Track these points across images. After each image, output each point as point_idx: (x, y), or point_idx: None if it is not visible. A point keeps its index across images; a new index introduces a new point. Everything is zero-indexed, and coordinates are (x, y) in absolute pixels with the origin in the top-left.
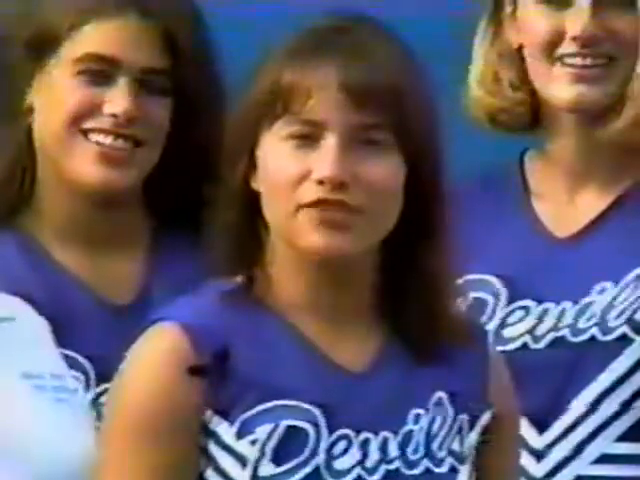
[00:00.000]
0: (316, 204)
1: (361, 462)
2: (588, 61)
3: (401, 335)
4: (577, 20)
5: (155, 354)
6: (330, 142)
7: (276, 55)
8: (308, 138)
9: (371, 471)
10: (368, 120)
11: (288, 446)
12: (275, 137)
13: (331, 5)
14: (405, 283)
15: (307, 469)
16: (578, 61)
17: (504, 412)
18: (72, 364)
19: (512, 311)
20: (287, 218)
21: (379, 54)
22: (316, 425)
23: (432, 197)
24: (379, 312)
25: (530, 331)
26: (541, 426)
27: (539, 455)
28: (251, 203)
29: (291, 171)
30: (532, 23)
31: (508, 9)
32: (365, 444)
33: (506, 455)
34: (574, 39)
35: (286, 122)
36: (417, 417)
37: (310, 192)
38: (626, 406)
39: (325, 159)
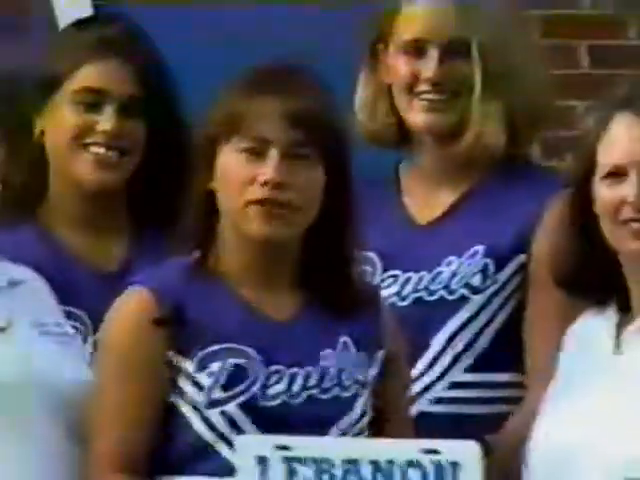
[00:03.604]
0: (260, 201)
1: (287, 390)
2: (437, 96)
3: (318, 294)
4: (428, 67)
5: (129, 310)
6: (273, 154)
7: (231, 89)
8: (256, 152)
9: (295, 396)
10: (299, 138)
11: (234, 378)
12: (231, 149)
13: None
14: (322, 257)
15: (247, 394)
16: (430, 96)
17: (395, 350)
18: (75, 317)
19: (385, 279)
20: (238, 211)
21: (305, 91)
22: (254, 362)
23: (344, 196)
24: (301, 277)
25: (398, 293)
26: (410, 363)
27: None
28: (208, 199)
29: (243, 175)
30: (397, 68)
31: (381, 56)
32: (293, 376)
33: (399, 379)
34: (427, 80)
35: (240, 139)
36: (329, 355)
37: (256, 192)
38: (468, 348)
39: (269, 166)
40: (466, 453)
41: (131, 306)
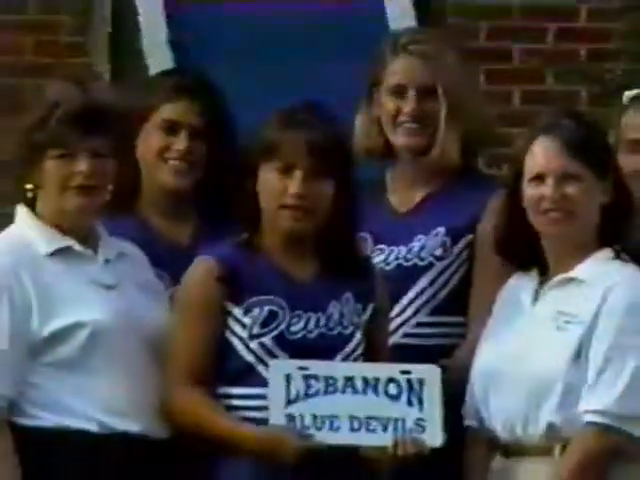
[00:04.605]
0: (288, 207)
1: (305, 328)
2: (413, 125)
3: (329, 263)
4: (407, 104)
5: (199, 272)
6: (297, 174)
7: (269, 124)
8: (285, 171)
9: (311, 332)
10: (316, 162)
11: (269, 319)
12: (269, 167)
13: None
14: (333, 238)
15: (278, 329)
16: (408, 125)
17: (381, 303)
18: (160, 276)
19: (374, 251)
20: (273, 211)
21: (321, 126)
22: (283, 309)
23: (348, 199)
24: (317, 251)
25: (384, 261)
26: (390, 309)
27: None
28: (255, 199)
29: (277, 187)
30: (385, 104)
31: (373, 95)
32: (309, 319)
33: (382, 323)
34: (406, 114)
35: (275, 161)
36: (334, 305)
37: (286, 200)
38: (431, 299)
39: (294, 182)
40: (429, 373)
41: (200, 270)
